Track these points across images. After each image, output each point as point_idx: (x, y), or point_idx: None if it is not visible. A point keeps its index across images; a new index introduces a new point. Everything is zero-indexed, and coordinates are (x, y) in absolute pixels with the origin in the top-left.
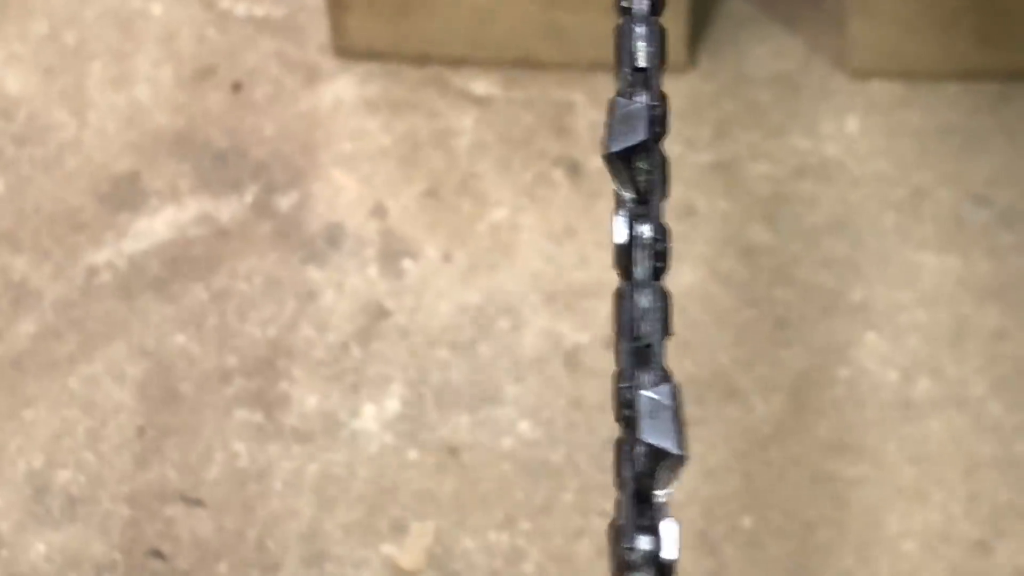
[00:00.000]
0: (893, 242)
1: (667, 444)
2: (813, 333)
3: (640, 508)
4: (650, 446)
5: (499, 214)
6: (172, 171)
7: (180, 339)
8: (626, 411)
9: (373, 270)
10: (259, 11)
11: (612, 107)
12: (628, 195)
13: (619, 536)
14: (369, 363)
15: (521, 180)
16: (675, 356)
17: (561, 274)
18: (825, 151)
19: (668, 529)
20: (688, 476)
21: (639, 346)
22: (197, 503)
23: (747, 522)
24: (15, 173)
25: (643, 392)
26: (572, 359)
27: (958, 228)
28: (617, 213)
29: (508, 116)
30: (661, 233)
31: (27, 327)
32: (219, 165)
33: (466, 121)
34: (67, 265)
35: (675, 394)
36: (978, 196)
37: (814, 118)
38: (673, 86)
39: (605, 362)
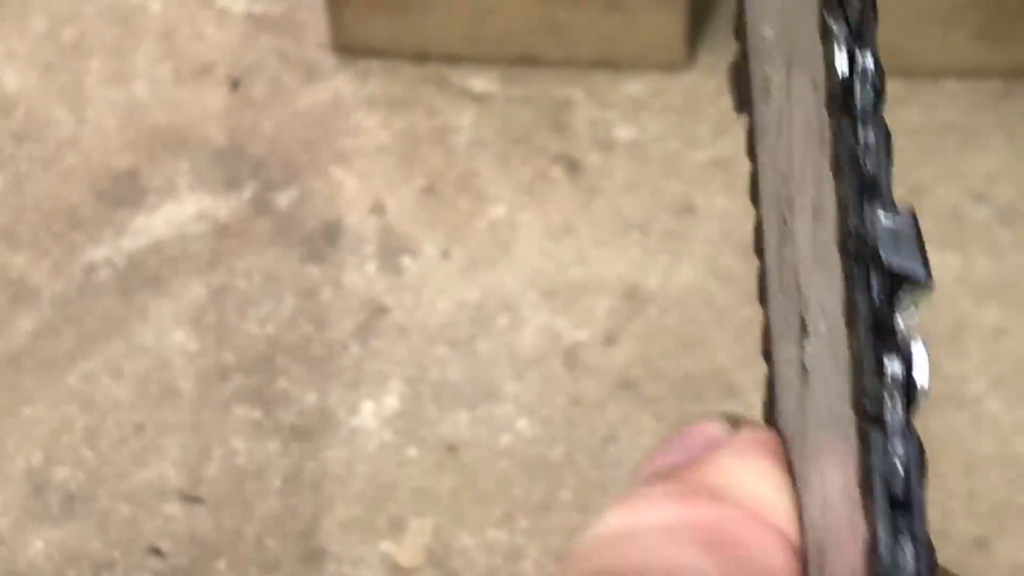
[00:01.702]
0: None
1: (915, 268)
2: None
3: (880, 337)
4: (893, 273)
5: (498, 211)
6: (171, 168)
7: (179, 336)
8: (859, 243)
9: (372, 267)
10: (257, 8)
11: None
12: (841, 27)
13: (856, 366)
14: (368, 360)
15: (520, 177)
16: (673, 354)
17: (560, 271)
18: None
19: (919, 351)
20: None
21: (866, 178)
22: (196, 500)
23: None
24: (13, 170)
25: (882, 220)
26: (571, 357)
27: (957, 226)
28: (836, 42)
29: (507, 113)
30: (879, 68)
31: (26, 324)
32: (218, 162)
33: (465, 118)
34: (65, 262)
35: (915, 221)
36: (977, 194)
37: None
38: (672, 83)
39: (604, 359)
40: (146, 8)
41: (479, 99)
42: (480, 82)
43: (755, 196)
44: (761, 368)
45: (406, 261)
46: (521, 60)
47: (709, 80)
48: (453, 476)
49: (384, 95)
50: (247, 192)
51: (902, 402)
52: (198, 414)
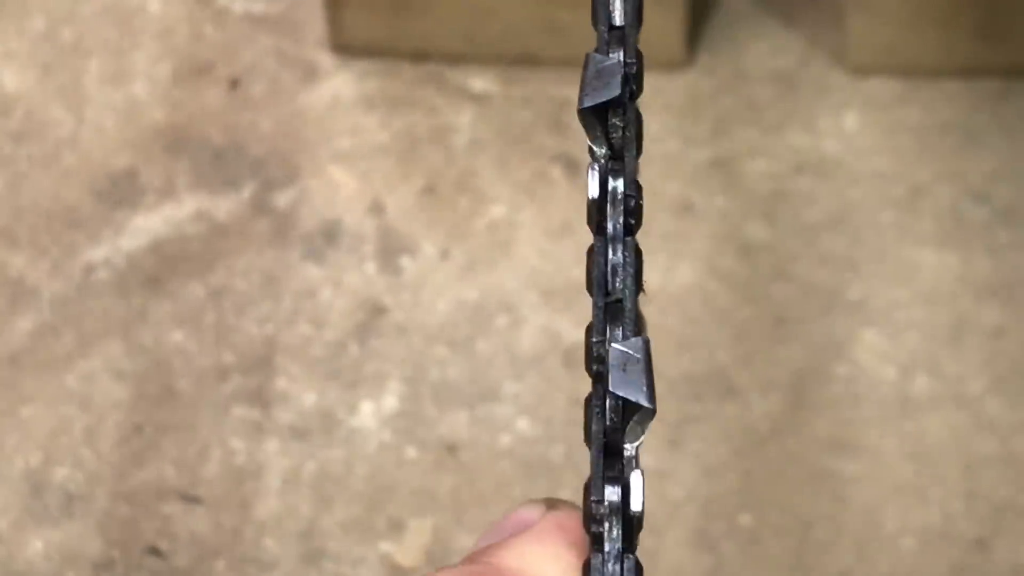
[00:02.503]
0: (891, 239)
1: (638, 397)
2: (811, 330)
3: (609, 461)
4: (621, 399)
5: (497, 211)
6: (169, 168)
7: (177, 336)
8: (597, 366)
9: (371, 267)
10: (256, 8)
11: (587, 63)
12: (602, 151)
13: (588, 488)
14: (367, 360)
15: (519, 177)
16: (673, 353)
17: (559, 271)
18: (824, 148)
19: (636, 481)
20: (686, 474)
21: (611, 301)
22: (195, 500)
23: (746, 520)
24: (12, 170)
25: (615, 346)
26: (571, 356)
27: (957, 225)
28: (591, 168)
29: (506, 113)
30: (635, 189)
31: (24, 324)
32: (216, 162)
33: (464, 118)
34: (64, 262)
35: (646, 348)
36: (977, 193)
37: (813, 115)
38: (671, 83)
39: None
40: (145, 8)
41: (478, 99)
42: (479, 82)
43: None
44: (760, 366)
45: (405, 261)
46: (521, 60)
47: (709, 80)
48: (452, 476)
49: (383, 95)
50: (246, 192)
51: (619, 528)
52: (197, 414)
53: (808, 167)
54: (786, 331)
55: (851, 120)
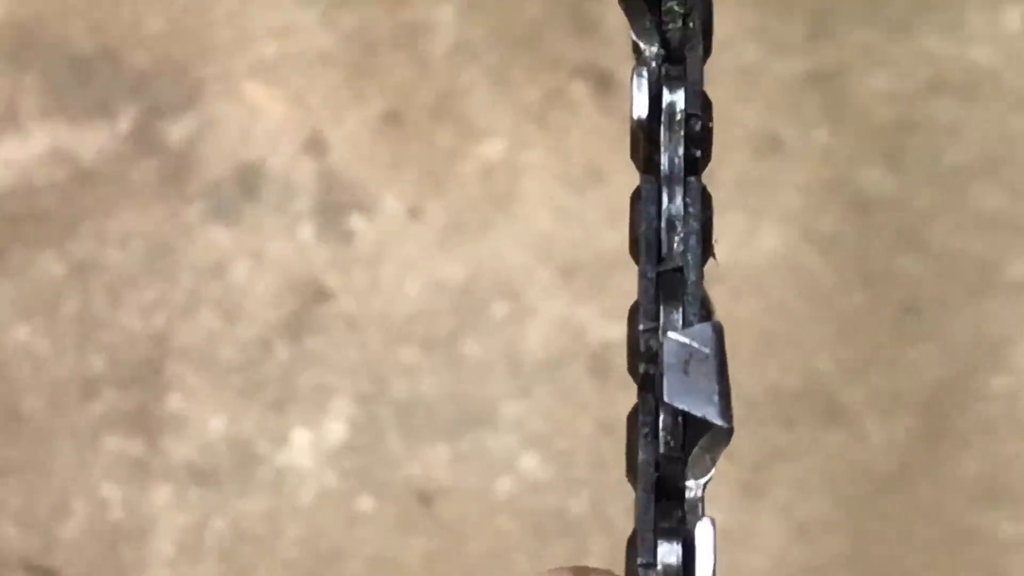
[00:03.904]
0: None
1: (707, 411)
2: (954, 325)
3: (664, 506)
4: (681, 413)
5: (493, 149)
6: (11, 84)
7: (22, 333)
8: (645, 365)
9: (307, 231)
10: None
11: None
12: (653, 50)
13: (631, 546)
14: (301, 368)
15: (525, 99)
16: (752, 358)
17: (583, 239)
18: (973, 57)
19: (703, 533)
20: (771, 535)
21: (666, 270)
22: (49, 574)
23: None
24: None
25: (672, 335)
26: (600, 361)
27: None
28: (636, 74)
29: (506, 4)
30: (700, 105)
31: None
32: (81, 76)
33: (444, 11)
34: None
35: (719, 338)
36: None
37: (958, 10)
38: None
39: None
40: None
41: None
42: None
43: None
44: (879, 377)
45: (357, 222)
46: None
47: None
48: (427, 540)
49: None
50: (124, 120)
51: None
52: (50, 448)
53: (950, 86)
54: (917, 326)
55: (1012, 18)
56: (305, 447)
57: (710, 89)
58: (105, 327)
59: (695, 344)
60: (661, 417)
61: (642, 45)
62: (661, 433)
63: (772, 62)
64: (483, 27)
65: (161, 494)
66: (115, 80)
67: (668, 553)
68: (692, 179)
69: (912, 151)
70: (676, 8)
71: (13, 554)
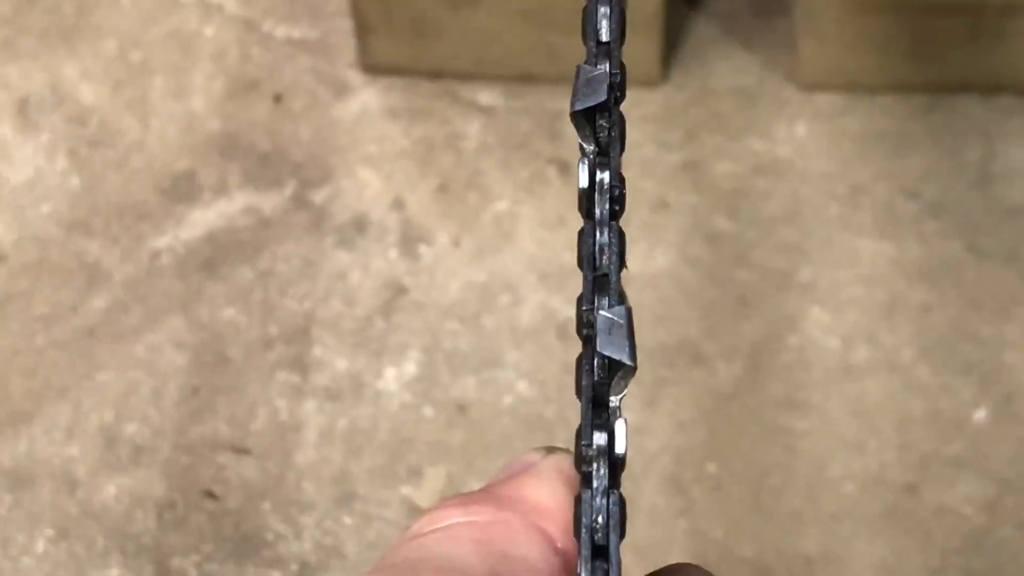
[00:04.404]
0: (836, 229)
1: (622, 356)
2: (768, 308)
3: (597, 412)
4: (607, 358)
5: (501, 206)
6: (223, 169)
7: (229, 312)
8: (586, 330)
9: (394, 253)
10: (296, 33)
11: (578, 73)
12: (591, 148)
13: (579, 435)
14: (390, 333)
15: (520, 177)
16: (650, 327)
17: (554, 257)
18: (778, 152)
19: (620, 428)
20: (660, 429)
21: (599, 275)
22: (244, 452)
23: (712, 468)
24: (89, 171)
25: (602, 313)
26: (563, 330)
27: (891, 218)
28: (581, 163)
29: (508, 123)
30: (619, 181)
31: (99, 302)
32: (263, 165)
33: (473, 127)
34: (133, 249)
35: (629, 315)
36: (909, 191)
37: (769, 124)
38: (648, 97)
39: None
40: (201, 32)
41: (485, 111)
42: (486, 96)
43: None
44: (724, 338)
45: (422, 248)
46: (521, 78)
47: (680, 94)
48: (463, 431)
49: (404, 107)
50: (288, 190)
51: (605, 468)
52: (245, 378)
53: (765, 168)
54: (746, 309)
55: (801, 129)
56: (392, 379)
57: (625, 170)
58: (277, 309)
59: (615, 318)
60: (596, 360)
61: (585, 146)
62: (596, 369)
63: (662, 155)
64: (495, 135)
65: (309, 405)
66: (283, 166)
67: (599, 438)
68: (614, 223)
69: (743, 207)
70: (604, 124)
71: (224, 441)
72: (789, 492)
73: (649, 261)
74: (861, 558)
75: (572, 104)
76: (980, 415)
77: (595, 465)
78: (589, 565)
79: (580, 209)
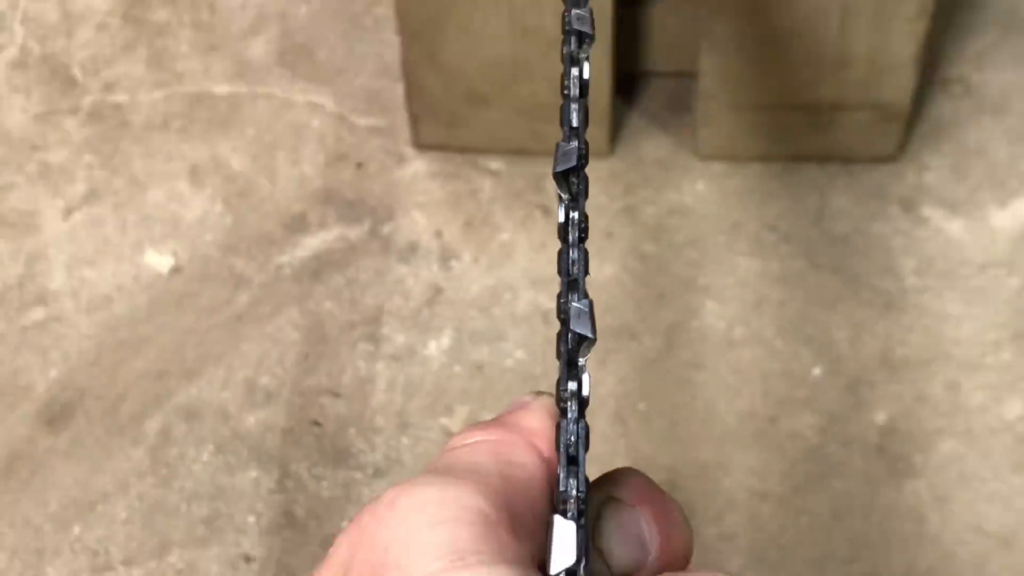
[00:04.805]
0: (723, 252)
1: (586, 332)
2: (678, 302)
3: (569, 368)
4: (576, 333)
5: (504, 236)
6: (323, 212)
7: (328, 305)
8: (562, 315)
9: (435, 267)
10: (372, 122)
11: (557, 148)
12: (566, 197)
13: (558, 383)
14: (432, 318)
15: (516, 217)
16: (601, 315)
17: (540, 269)
18: (685, 201)
19: (585, 379)
20: (608, 381)
21: (571, 280)
22: (337, 395)
23: (642, 407)
24: (237, 213)
25: (573, 304)
26: (547, 316)
27: (758, 244)
28: (559, 206)
29: (509, 182)
30: (584, 218)
31: (243, 298)
32: (349, 208)
33: (486, 184)
34: (265, 263)
35: (590, 306)
36: (770, 226)
37: (679, 183)
38: (601, 165)
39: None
40: (309, 124)
41: (494, 173)
42: (495, 164)
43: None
44: (650, 321)
45: (453, 263)
46: (518, 152)
47: (621, 163)
48: (480, 382)
49: (441, 171)
50: (366, 225)
51: (576, 404)
52: (338, 348)
53: (676, 211)
54: (664, 302)
55: (700, 186)
56: (434, 348)
57: (588, 210)
58: (359, 303)
59: (582, 308)
60: (569, 335)
61: (562, 195)
62: (569, 341)
63: (609, 202)
64: (501, 190)
65: (380, 366)
66: (363, 210)
67: (572, 386)
68: (581, 246)
69: (662, 237)
70: (574, 181)
71: (324, 389)
72: (692, 422)
73: (600, 271)
74: (739, 465)
75: (553, 168)
76: (816, 371)
77: (569, 403)
78: (565, 469)
79: (559, 237)
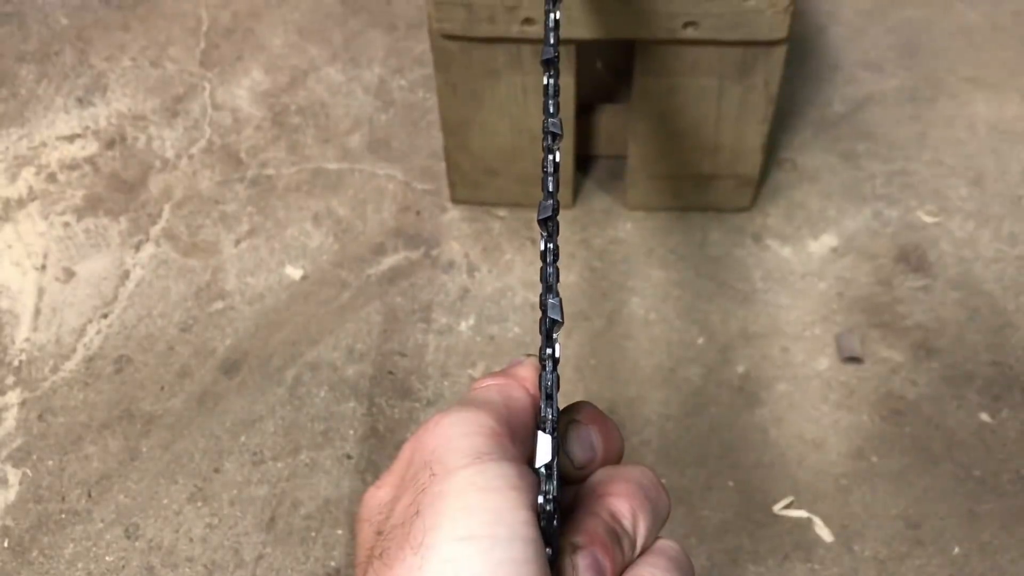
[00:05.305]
0: (644, 266)
1: (558, 317)
2: (615, 298)
3: (548, 340)
4: (551, 318)
5: (508, 256)
6: (395, 242)
7: (398, 299)
8: (543, 307)
9: (464, 276)
10: (426, 186)
11: (540, 205)
12: (544, 234)
13: (540, 349)
14: (463, 308)
15: (516, 245)
16: (567, 306)
17: (530, 278)
18: (619, 235)
19: (557, 347)
20: (571, 347)
21: (548, 284)
22: (404, 355)
23: (592, 362)
24: (343, 243)
25: (549, 299)
26: (534, 307)
27: (663, 263)
28: (540, 239)
29: (511, 224)
30: (556, 247)
31: (345, 296)
32: (411, 240)
33: (496, 225)
34: (360, 274)
35: (560, 301)
36: (671, 250)
37: (615, 224)
38: (567, 214)
39: None
40: (386, 188)
41: (502, 218)
42: (502, 212)
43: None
44: (598, 308)
45: (477, 274)
46: (516, 205)
47: (579, 212)
48: (493, 347)
49: (468, 217)
50: (421, 250)
51: (552, 363)
52: (404, 326)
53: (614, 241)
54: (606, 298)
55: (629, 225)
56: (464, 326)
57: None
58: (416, 299)
59: (555, 302)
60: (547, 319)
61: (542, 232)
62: (547, 322)
63: (571, 236)
64: (506, 229)
65: (431, 338)
66: (419, 241)
67: (549, 351)
68: (555, 264)
69: (604, 257)
70: (551, 225)
71: (395, 352)
72: (624, 372)
73: (566, 279)
74: (652, 398)
75: (538, 216)
76: (700, 340)
77: (547, 362)
78: (544, 402)
79: (541, 258)
